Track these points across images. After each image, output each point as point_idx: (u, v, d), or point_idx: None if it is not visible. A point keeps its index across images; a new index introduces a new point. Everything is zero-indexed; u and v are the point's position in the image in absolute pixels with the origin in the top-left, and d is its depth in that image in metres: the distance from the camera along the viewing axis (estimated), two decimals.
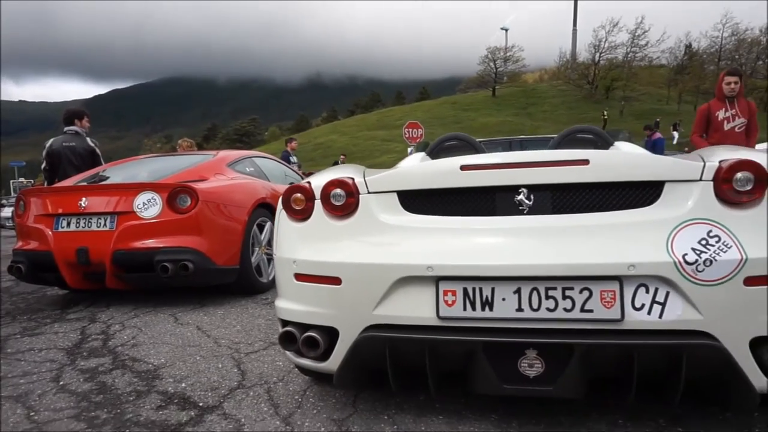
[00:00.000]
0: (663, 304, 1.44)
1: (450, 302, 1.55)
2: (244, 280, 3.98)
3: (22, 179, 35.10)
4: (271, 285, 4.12)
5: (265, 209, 4.25)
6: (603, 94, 51.56)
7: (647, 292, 1.45)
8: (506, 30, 65.90)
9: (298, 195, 1.86)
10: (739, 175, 1.49)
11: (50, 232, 3.75)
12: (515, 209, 1.66)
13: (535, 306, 1.50)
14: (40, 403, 2.11)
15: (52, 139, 5.15)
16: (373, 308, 1.63)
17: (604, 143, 2.56)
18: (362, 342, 1.65)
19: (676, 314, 1.44)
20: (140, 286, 3.95)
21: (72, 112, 5.28)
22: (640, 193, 1.60)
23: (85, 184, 4.08)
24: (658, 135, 11.23)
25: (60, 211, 3.80)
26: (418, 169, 1.86)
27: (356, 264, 1.67)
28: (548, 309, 1.49)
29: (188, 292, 4.11)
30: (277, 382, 2.24)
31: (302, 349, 1.74)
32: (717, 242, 1.44)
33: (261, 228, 4.22)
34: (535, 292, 1.50)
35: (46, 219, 3.83)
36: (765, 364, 1.42)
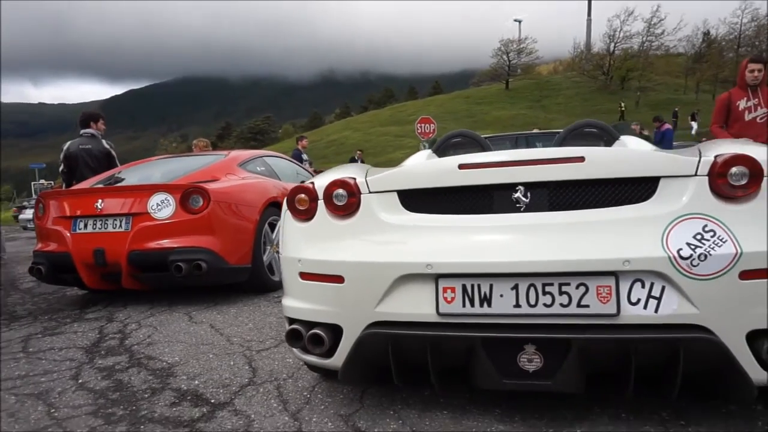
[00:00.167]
0: (659, 299, 1.46)
1: (449, 299, 1.59)
2: (256, 279, 4.06)
3: (42, 181, 35.80)
4: None
5: (276, 208, 4.30)
6: (618, 84, 50.64)
7: (643, 287, 1.47)
8: (520, 21, 65.18)
9: (302, 195, 1.90)
10: (734, 169, 1.50)
11: (68, 234, 3.85)
12: (512, 207, 1.68)
13: (532, 302, 1.52)
14: (60, 401, 2.19)
15: (69, 142, 5.23)
16: (375, 306, 1.67)
17: (609, 138, 2.56)
18: (365, 339, 1.69)
19: (672, 308, 1.45)
20: (155, 286, 4.05)
21: (87, 115, 5.36)
22: (636, 189, 1.61)
23: (101, 186, 4.18)
24: (667, 126, 11.05)
25: (77, 213, 3.90)
26: (418, 169, 1.89)
27: (358, 263, 1.71)
28: (545, 305, 1.51)
29: (202, 291, 4.19)
30: (286, 378, 2.30)
31: (308, 346, 1.78)
32: (712, 237, 1.46)
33: (272, 227, 4.28)
34: (532, 288, 1.53)
35: (65, 221, 3.93)
36: (762, 357, 1.43)
